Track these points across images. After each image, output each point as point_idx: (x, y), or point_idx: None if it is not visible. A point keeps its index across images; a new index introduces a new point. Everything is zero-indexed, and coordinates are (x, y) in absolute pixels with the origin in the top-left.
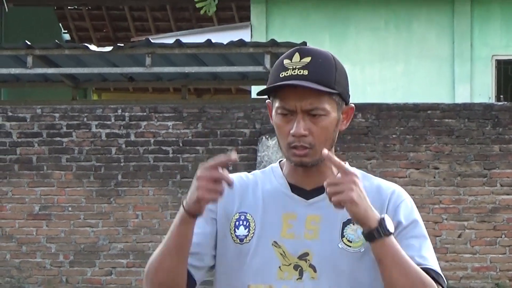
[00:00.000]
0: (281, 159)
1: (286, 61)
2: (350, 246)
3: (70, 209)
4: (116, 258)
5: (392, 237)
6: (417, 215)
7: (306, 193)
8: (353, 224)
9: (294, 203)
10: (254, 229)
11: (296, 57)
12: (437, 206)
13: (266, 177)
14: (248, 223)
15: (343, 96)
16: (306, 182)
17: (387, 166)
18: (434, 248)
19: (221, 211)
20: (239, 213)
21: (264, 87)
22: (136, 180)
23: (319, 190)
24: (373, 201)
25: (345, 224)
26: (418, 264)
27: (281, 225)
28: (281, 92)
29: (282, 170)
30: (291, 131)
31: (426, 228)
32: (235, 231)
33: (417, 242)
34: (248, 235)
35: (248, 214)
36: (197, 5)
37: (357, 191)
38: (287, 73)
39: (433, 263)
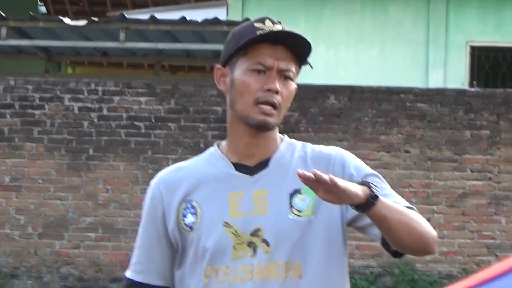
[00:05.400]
0: (218, 142)
1: (257, 24)
2: (301, 216)
3: (40, 181)
4: (84, 231)
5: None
6: (361, 163)
7: (250, 170)
8: (300, 194)
9: (239, 181)
10: (202, 214)
11: (268, 22)
12: (407, 189)
13: (207, 162)
14: (195, 210)
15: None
16: (249, 158)
17: (358, 148)
18: None
19: (166, 213)
20: (184, 202)
21: None
22: (107, 154)
23: (263, 164)
24: (318, 166)
25: (291, 195)
26: None
27: (229, 205)
28: (257, 49)
29: (221, 152)
30: (266, 86)
31: None
32: (183, 220)
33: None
34: (196, 221)
35: (193, 201)
36: None
37: (339, 188)
38: (264, 30)
39: (403, 201)
